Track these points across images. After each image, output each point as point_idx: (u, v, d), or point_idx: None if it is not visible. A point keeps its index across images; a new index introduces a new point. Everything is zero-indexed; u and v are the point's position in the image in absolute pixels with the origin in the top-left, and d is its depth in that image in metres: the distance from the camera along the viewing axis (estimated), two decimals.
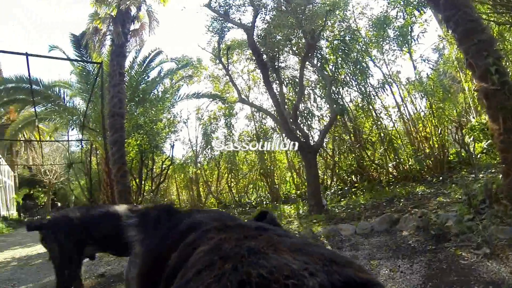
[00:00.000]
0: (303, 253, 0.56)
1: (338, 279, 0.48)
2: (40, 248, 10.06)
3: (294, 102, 11.77)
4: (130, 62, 16.01)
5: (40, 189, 30.67)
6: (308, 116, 13.17)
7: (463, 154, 10.43)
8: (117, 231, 3.08)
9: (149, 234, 0.80)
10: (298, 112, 11.06)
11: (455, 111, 11.13)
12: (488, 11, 9.80)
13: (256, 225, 0.78)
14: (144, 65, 16.81)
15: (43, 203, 31.19)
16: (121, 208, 4.05)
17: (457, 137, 10.72)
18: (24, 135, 24.45)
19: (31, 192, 29.74)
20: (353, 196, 10.19)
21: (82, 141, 20.56)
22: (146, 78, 16.96)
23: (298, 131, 10.32)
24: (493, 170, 7.89)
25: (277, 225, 0.95)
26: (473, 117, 11.46)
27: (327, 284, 0.48)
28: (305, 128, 12.42)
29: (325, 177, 13.20)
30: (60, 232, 3.75)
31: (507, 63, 9.93)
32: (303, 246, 0.61)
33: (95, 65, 14.21)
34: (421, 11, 10.99)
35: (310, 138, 11.62)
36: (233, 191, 16.16)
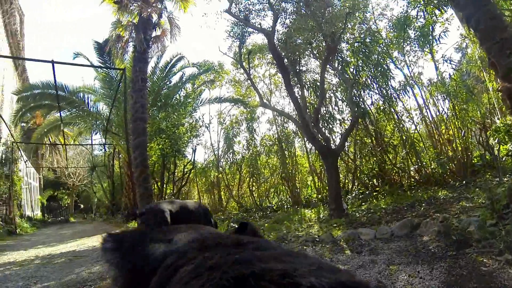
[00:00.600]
0: (289, 261, 0.56)
1: (327, 282, 0.48)
2: (63, 248, 10.35)
3: (315, 105, 11.76)
4: (152, 67, 16.33)
5: (64, 191, 31.44)
6: (329, 120, 13.12)
7: (487, 157, 10.21)
8: (190, 218, 4.65)
9: (125, 257, 0.79)
10: (319, 116, 11.04)
11: (479, 112, 10.89)
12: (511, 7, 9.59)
13: (236, 241, 0.76)
14: (166, 70, 17.09)
15: (66, 205, 31.93)
16: (190, 202, 5.44)
17: (481, 139, 10.48)
18: (49, 139, 25.10)
19: (55, 193, 30.50)
20: (374, 200, 10.09)
21: (105, 145, 21.09)
22: (168, 83, 17.25)
23: (319, 135, 10.31)
24: None
25: (259, 236, 0.96)
26: (498, 118, 11.18)
27: (318, 286, 0.48)
28: (326, 131, 12.38)
29: (347, 181, 13.11)
30: (155, 220, 4.46)
31: None
32: (287, 257, 0.60)
33: (118, 71, 14.57)
34: (442, 10, 10.82)
35: (332, 142, 11.57)
36: (254, 195, 16.17)
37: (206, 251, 0.69)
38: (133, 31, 12.42)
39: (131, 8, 12.49)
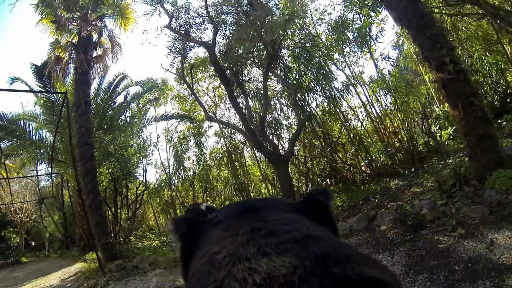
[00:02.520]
0: (292, 254, 0.49)
1: (331, 280, 0.43)
2: None
3: (260, 114, 11.87)
4: (95, 89, 15.77)
5: (11, 230, 29.41)
6: (276, 127, 13.24)
7: (431, 143, 10.73)
8: None
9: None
10: (265, 124, 11.15)
11: (419, 103, 11.50)
12: (440, 4, 10.22)
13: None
14: (110, 91, 16.57)
15: (16, 244, 29.88)
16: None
17: (423, 127, 11.01)
18: None
19: (2, 233, 28.48)
20: None
21: (52, 175, 20.04)
22: (112, 104, 16.70)
23: (267, 143, 10.40)
24: (460, 155, 8.16)
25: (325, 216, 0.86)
26: (437, 107, 11.86)
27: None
28: (274, 138, 12.49)
29: (300, 184, 13.25)
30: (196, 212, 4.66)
31: (462, 51, 10.36)
32: (293, 244, 0.53)
33: (59, 95, 13.90)
34: (377, 12, 11.34)
35: (281, 148, 11.72)
36: None
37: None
38: (73, 52, 11.96)
39: (69, 27, 12.03)
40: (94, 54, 12.62)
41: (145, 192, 17.45)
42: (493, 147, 5.52)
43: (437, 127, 10.28)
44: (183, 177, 17.40)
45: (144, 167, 17.10)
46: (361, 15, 11.73)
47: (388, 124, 11.51)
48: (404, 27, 6.86)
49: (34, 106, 17.11)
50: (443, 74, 5.89)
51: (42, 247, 28.79)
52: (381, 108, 11.96)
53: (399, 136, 10.97)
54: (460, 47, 10.19)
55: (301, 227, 0.62)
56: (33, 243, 31.35)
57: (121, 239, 13.60)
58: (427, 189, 6.84)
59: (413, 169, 9.49)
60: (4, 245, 28.45)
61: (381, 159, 11.40)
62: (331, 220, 0.77)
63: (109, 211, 14.95)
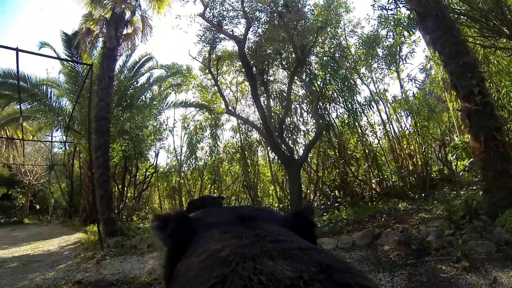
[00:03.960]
0: (297, 260, 0.51)
1: (333, 286, 0.44)
2: (16, 251, 9.85)
3: (280, 116, 11.87)
4: (120, 66, 15.89)
5: (19, 190, 29.94)
6: (294, 131, 13.24)
7: (445, 171, 10.62)
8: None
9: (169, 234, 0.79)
10: (284, 126, 11.14)
11: (439, 129, 11.37)
12: (475, 35, 10.10)
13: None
14: (134, 70, 16.71)
15: (21, 205, 30.41)
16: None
17: (440, 155, 10.90)
18: (6, 133, 23.94)
19: (9, 192, 29.01)
20: (336, 211, 10.23)
21: (66, 143, 20.28)
22: (135, 83, 16.84)
23: (283, 145, 10.40)
24: (474, 188, 8.07)
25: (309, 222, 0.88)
26: (456, 136, 11.69)
27: None
28: (290, 142, 12.46)
29: (308, 191, 13.24)
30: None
31: (491, 85, 10.22)
32: (299, 252, 0.55)
33: (84, 66, 14.06)
34: (410, 32, 11.25)
35: (295, 152, 11.70)
36: None
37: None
38: (104, 26, 12.07)
39: (104, 1, 12.21)
40: (124, 32, 12.71)
41: (154, 175, 17.58)
42: (509, 184, 5.44)
43: (454, 157, 10.16)
44: (194, 166, 17.49)
45: (157, 150, 17.27)
46: (394, 33, 11.65)
47: (405, 145, 11.42)
48: (437, 51, 6.79)
49: (59, 73, 17.44)
50: (469, 104, 5.82)
51: (46, 212, 29.22)
52: (400, 129, 11.89)
53: (414, 160, 10.88)
54: (489, 80, 10.04)
55: (300, 240, 0.63)
56: (37, 207, 31.83)
57: (124, 217, 13.73)
58: (436, 217, 6.77)
59: (423, 194, 9.40)
60: (10, 204, 28.96)
61: (393, 180, 11.33)
62: (314, 237, 0.79)
63: (116, 188, 15.11)
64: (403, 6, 9.50)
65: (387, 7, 9.87)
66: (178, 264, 0.67)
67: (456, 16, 9.24)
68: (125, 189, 15.89)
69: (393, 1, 9.47)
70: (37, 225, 22.67)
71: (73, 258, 8.16)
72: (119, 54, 12.86)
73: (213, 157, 16.78)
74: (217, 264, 0.52)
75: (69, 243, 11.04)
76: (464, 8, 9.59)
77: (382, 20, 11.65)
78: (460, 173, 9.95)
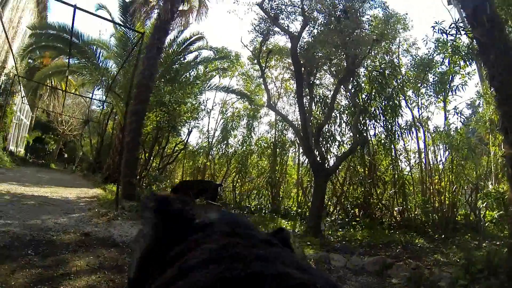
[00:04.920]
0: (308, 272, 0.54)
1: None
2: (36, 191, 10.23)
3: (319, 121, 11.72)
4: (170, 40, 16.11)
5: (52, 136, 31.07)
6: (329, 139, 13.03)
7: (471, 218, 10.19)
8: None
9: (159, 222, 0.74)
10: (321, 133, 11.00)
11: (475, 172, 10.90)
12: None
13: (265, 238, 0.73)
14: (183, 46, 16.93)
15: (51, 150, 31.61)
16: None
17: (470, 199, 10.48)
18: (51, 82, 24.85)
19: (43, 136, 30.09)
20: (351, 229, 10.05)
21: (105, 103, 20.85)
22: (182, 59, 17.05)
23: (316, 151, 10.27)
24: (497, 243, 7.69)
25: (289, 246, 0.90)
26: (491, 184, 11.20)
27: None
28: (323, 150, 12.30)
29: (329, 203, 13.04)
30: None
31: None
32: (308, 267, 0.57)
33: (136, 34, 14.34)
34: (466, 63, 10.81)
35: (326, 161, 11.56)
36: (236, 191, 16.03)
37: (234, 237, 0.65)
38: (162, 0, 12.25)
39: None
40: (180, 8, 12.85)
41: (182, 151, 17.78)
42: None
43: (484, 205, 9.71)
44: (223, 152, 17.58)
45: (190, 128, 17.39)
46: (449, 61, 11.21)
47: (436, 180, 11.02)
48: (493, 88, 6.41)
49: (110, 37, 18.09)
50: None
51: (72, 162, 30.19)
52: (435, 162, 11.46)
53: (442, 197, 10.49)
54: None
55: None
56: (66, 155, 33.03)
57: (144, 184, 13.95)
58: (452, 263, 6.51)
59: (443, 235, 9.04)
60: (41, 147, 30.15)
61: (416, 212, 10.99)
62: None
63: (143, 155, 15.37)
64: (464, 34, 8.98)
65: (447, 32, 9.41)
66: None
67: None
68: (152, 158, 16.15)
69: (455, 26, 8.99)
70: (61, 172, 23.54)
71: (87, 211, 8.39)
72: (171, 28, 13.03)
73: (245, 147, 16.81)
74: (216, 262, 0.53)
75: (87, 195, 11.35)
76: None
77: (440, 44, 11.24)
78: (487, 224, 9.51)
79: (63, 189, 11.96)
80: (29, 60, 23.16)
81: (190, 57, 17.60)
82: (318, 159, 9.95)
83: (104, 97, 20.34)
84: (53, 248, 4.94)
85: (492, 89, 6.61)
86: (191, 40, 16.93)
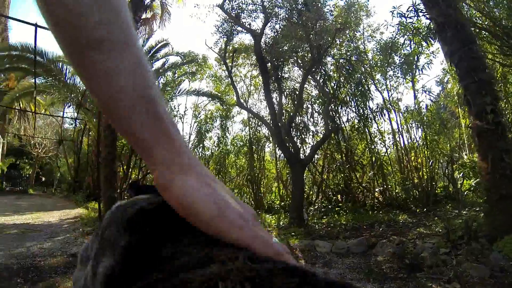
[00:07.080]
0: None
1: None
2: (17, 219, 10.03)
3: (291, 113, 11.82)
4: None
5: (26, 161, 30.39)
6: (302, 130, 13.14)
7: (450, 189, 10.46)
8: None
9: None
10: (293, 124, 11.09)
11: (448, 145, 11.19)
12: (495, 52, 9.89)
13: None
14: (149, 55, 16.73)
15: (27, 175, 30.88)
16: None
17: (447, 171, 10.76)
18: (20, 105, 24.24)
19: (17, 162, 29.43)
20: (336, 215, 10.17)
21: (77, 120, 20.50)
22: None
23: (290, 143, 10.36)
24: (477, 209, 7.93)
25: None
26: (466, 154, 11.54)
27: None
28: (298, 141, 12.39)
29: (311, 192, 13.17)
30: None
31: (506, 105, 10.03)
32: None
33: None
34: (429, 43, 11.07)
35: (302, 152, 11.66)
36: None
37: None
38: None
39: None
40: (143, 16, 12.72)
41: None
42: None
43: (461, 175, 9.99)
44: (200, 155, 17.50)
45: None
46: (412, 42, 11.46)
47: (412, 158, 11.28)
48: (453, 64, 6.62)
49: None
50: (480, 122, 5.69)
51: (51, 184, 29.62)
52: (409, 140, 11.72)
53: (420, 173, 10.73)
54: (505, 100, 9.83)
55: None
56: (43, 179, 32.33)
57: (126, 197, 13.78)
58: (434, 234, 6.68)
59: (425, 209, 9.26)
60: (17, 173, 29.42)
61: (396, 191, 11.21)
62: None
63: (121, 168, 15.18)
64: (423, 15, 9.24)
65: (406, 15, 9.66)
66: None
67: (477, 30, 9.04)
68: (130, 170, 15.96)
69: (413, 9, 9.24)
70: (41, 196, 23.03)
71: (71, 232, 8.30)
72: None
73: (221, 148, 16.77)
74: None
75: (69, 216, 11.19)
76: (486, 23, 9.36)
77: (401, 27, 11.48)
78: (465, 192, 9.79)
79: (45, 214, 11.76)
80: None
81: (157, 64, 17.41)
82: (292, 150, 10.03)
83: (75, 114, 20.00)
84: (42, 273, 4.89)
85: (453, 65, 6.80)
86: (157, 47, 16.76)
